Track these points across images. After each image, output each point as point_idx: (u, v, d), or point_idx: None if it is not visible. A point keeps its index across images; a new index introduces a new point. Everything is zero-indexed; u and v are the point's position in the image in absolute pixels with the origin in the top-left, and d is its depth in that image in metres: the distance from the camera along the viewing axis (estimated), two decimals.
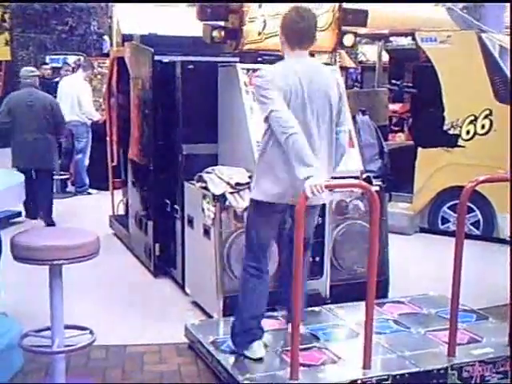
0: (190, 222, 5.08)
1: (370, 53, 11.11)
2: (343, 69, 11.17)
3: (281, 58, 5.21)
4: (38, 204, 7.27)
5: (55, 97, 9.65)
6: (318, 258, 4.84)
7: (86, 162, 9.79)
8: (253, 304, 3.87)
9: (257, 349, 3.84)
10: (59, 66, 11.42)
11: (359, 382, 3.58)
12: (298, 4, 3.90)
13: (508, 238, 6.70)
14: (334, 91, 3.80)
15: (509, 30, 10.89)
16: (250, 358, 3.81)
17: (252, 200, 3.88)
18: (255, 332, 3.87)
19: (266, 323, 4.30)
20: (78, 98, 9.54)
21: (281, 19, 3.92)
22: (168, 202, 5.65)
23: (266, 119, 3.63)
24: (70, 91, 9.63)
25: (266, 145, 3.73)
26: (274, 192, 3.70)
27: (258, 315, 3.89)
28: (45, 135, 7.40)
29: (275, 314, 4.40)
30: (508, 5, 12.13)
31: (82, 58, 11.51)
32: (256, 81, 3.82)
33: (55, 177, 9.79)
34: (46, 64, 11.76)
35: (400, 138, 9.05)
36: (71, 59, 11.77)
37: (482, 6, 12.98)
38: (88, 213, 8.19)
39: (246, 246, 3.95)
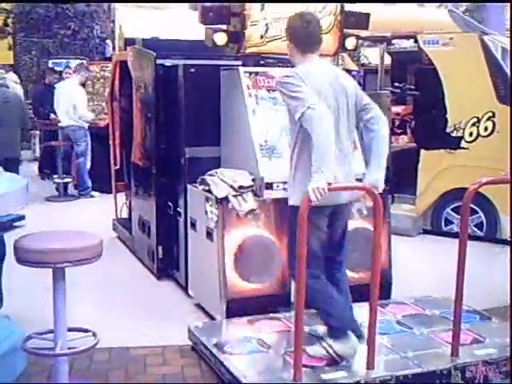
0: (193, 224, 5.09)
1: (372, 55, 11.11)
2: (346, 71, 11.14)
3: (283, 61, 5.26)
4: None
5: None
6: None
7: (88, 165, 9.83)
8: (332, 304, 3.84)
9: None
10: (62, 69, 11.43)
11: (363, 382, 3.59)
12: (300, 11, 3.97)
13: (509, 239, 6.71)
14: (352, 89, 3.84)
15: (509, 33, 10.88)
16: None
17: (296, 206, 3.61)
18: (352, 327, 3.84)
19: (269, 325, 4.32)
20: (74, 102, 9.59)
21: (286, 27, 3.94)
22: (171, 204, 5.66)
23: (301, 117, 3.53)
24: (66, 96, 9.71)
25: (301, 146, 3.67)
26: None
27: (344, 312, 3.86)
28: (16, 128, 8.16)
29: (278, 315, 4.41)
30: (509, 5, 12.15)
31: (84, 62, 11.51)
32: (284, 79, 3.71)
33: (57, 180, 9.90)
34: (54, 71, 11.77)
35: (403, 141, 9.04)
36: (74, 63, 11.77)
37: (483, 9, 13.00)
38: (91, 216, 8.20)
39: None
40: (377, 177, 3.72)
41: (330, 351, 3.77)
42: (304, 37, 3.82)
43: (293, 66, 3.95)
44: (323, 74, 3.78)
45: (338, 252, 4.00)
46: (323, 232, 3.83)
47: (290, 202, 3.81)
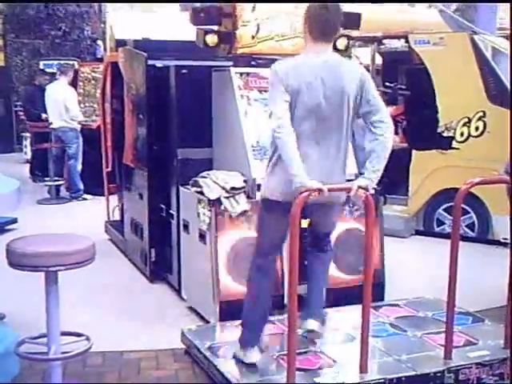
0: (186, 226, 5.07)
1: (363, 56, 11.10)
2: None
3: (274, 61, 5.24)
4: None
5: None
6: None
7: (79, 167, 9.80)
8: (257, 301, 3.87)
9: (252, 354, 3.83)
10: (53, 71, 11.39)
11: None
12: None
13: (503, 240, 6.73)
14: (351, 87, 3.65)
15: (501, 32, 10.90)
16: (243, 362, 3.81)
17: (261, 198, 3.86)
18: (255, 334, 3.87)
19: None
20: (65, 103, 9.58)
21: (304, 11, 3.79)
22: (163, 206, 5.64)
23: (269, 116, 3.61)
24: (56, 98, 9.69)
25: (271, 144, 3.73)
26: (279, 190, 3.68)
27: (261, 315, 3.89)
28: None
29: (271, 318, 4.40)
30: (500, 6, 12.18)
31: (69, 63, 11.46)
32: (269, 74, 3.73)
33: (49, 183, 9.86)
34: (44, 72, 11.73)
35: (394, 141, 9.04)
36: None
37: (474, 9, 13.02)
38: (83, 218, 8.18)
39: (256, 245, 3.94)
40: (370, 178, 3.65)
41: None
42: (318, 23, 3.65)
43: None
44: (318, 68, 3.63)
45: (321, 241, 4.05)
46: (279, 226, 3.77)
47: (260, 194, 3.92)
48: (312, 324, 3.93)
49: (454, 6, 15.41)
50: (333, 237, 4.79)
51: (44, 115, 10.15)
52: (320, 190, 3.46)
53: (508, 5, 10.80)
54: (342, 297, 4.74)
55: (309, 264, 4.08)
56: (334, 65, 3.69)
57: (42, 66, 13.07)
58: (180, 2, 14.79)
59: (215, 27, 4.98)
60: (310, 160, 3.62)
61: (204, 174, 4.84)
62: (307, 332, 4.00)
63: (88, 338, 3.63)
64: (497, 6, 12.28)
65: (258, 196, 4.57)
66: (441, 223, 7.47)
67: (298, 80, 3.59)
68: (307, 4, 3.77)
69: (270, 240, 3.86)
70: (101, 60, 12.56)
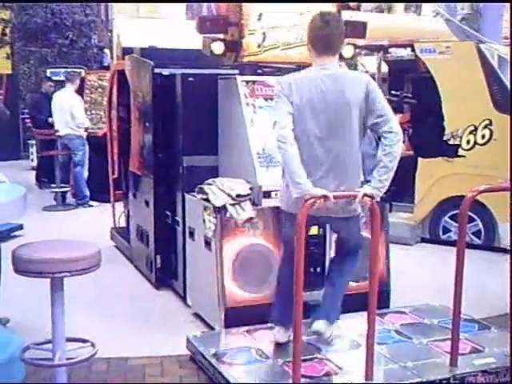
0: (191, 233, 5.08)
1: (369, 64, 11.12)
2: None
3: (280, 69, 5.27)
4: None
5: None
6: (318, 269, 4.84)
7: (85, 174, 9.84)
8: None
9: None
10: (61, 79, 11.45)
11: None
12: (321, 11, 3.90)
13: (509, 247, 6.70)
14: (355, 99, 3.69)
15: (506, 41, 10.91)
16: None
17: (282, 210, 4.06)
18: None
19: (268, 334, 4.31)
20: (71, 111, 9.63)
21: (307, 27, 3.88)
22: (169, 213, 5.65)
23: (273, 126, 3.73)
24: (62, 106, 9.73)
25: None
26: (288, 202, 3.82)
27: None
28: None
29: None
30: (507, 9, 12.19)
31: (76, 71, 11.52)
32: (275, 85, 3.85)
33: (55, 189, 9.89)
34: (50, 80, 11.80)
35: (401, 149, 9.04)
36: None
37: (480, 18, 13.04)
38: (89, 225, 8.19)
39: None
40: (377, 188, 3.68)
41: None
42: (319, 38, 3.75)
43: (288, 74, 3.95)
44: (320, 82, 3.70)
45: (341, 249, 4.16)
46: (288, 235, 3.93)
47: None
48: (318, 324, 3.95)
49: (460, 15, 15.44)
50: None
51: (51, 119, 10.18)
52: (325, 197, 3.48)
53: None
54: (347, 304, 4.73)
55: (328, 268, 4.27)
56: (336, 78, 3.76)
57: (48, 74, 13.13)
58: (185, 2, 14.84)
59: (221, 36, 4.99)
60: (317, 171, 3.66)
61: (210, 181, 4.84)
62: (313, 333, 4.01)
63: (93, 345, 3.63)
64: (502, 14, 12.29)
65: (264, 203, 4.59)
66: (447, 231, 7.46)
67: (300, 94, 3.69)
68: (314, 10, 3.82)
69: (290, 249, 3.85)
70: (107, 68, 12.62)
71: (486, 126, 7.08)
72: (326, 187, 3.63)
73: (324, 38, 3.74)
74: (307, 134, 3.71)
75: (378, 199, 3.71)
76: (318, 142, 3.71)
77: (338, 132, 3.73)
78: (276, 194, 4.52)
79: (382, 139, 3.71)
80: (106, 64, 14.95)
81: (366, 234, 4.74)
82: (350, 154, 3.79)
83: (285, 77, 3.86)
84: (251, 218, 4.59)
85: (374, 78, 8.82)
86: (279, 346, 4.15)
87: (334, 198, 3.55)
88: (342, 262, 4.13)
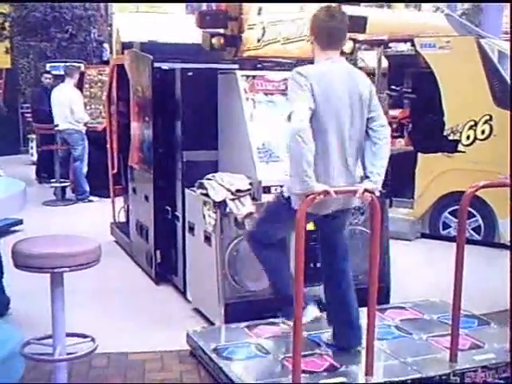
0: (191, 228, 5.08)
1: (369, 59, 11.11)
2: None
3: (280, 64, 5.26)
4: None
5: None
6: (319, 265, 4.83)
7: (85, 169, 9.83)
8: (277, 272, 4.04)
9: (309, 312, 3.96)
10: (60, 73, 11.44)
11: None
12: (329, 3, 3.83)
13: (509, 243, 6.71)
14: (366, 93, 3.72)
15: (507, 36, 10.89)
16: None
17: (282, 194, 3.89)
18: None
19: (268, 330, 4.31)
20: (70, 105, 9.61)
21: (310, 20, 3.82)
22: (169, 208, 5.65)
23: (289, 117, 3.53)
24: (62, 100, 9.71)
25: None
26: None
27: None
28: None
29: (276, 320, 4.39)
30: (506, 6, 12.17)
31: (75, 65, 11.49)
32: (292, 75, 3.65)
33: (55, 184, 9.88)
34: (48, 73, 11.78)
35: (400, 144, 9.04)
36: None
37: (480, 12, 13.02)
38: (89, 220, 8.19)
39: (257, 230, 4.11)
40: (376, 181, 3.70)
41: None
42: (325, 32, 3.69)
43: (289, 70, 3.93)
44: (338, 75, 3.66)
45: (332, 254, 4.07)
46: (285, 225, 3.90)
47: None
48: (312, 311, 3.98)
49: (460, 9, 15.42)
50: None
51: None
52: (327, 193, 3.47)
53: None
54: None
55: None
56: (348, 71, 3.75)
57: (48, 68, 13.12)
58: (186, 2, 14.83)
59: (221, 30, 4.98)
60: (330, 167, 3.66)
61: (209, 176, 4.84)
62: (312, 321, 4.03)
63: (93, 340, 3.63)
64: (503, 9, 12.27)
65: (264, 198, 4.59)
66: (447, 226, 7.46)
67: (318, 84, 3.57)
68: (313, 5, 3.79)
69: (274, 232, 4.00)
70: (107, 62, 12.59)
71: (486, 122, 7.07)
72: (338, 184, 3.64)
73: (329, 34, 3.69)
74: (325, 129, 3.62)
75: (378, 193, 3.72)
76: (337, 138, 3.65)
77: (357, 125, 3.72)
78: (276, 189, 4.52)
79: (373, 133, 3.75)
80: (105, 58, 14.93)
81: (365, 229, 4.77)
82: (361, 147, 3.79)
83: (305, 68, 3.67)
84: (251, 213, 4.58)
85: (374, 73, 8.86)
86: (279, 340, 4.15)
87: (336, 193, 3.54)
88: (346, 267, 4.09)
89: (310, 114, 3.53)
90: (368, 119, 3.78)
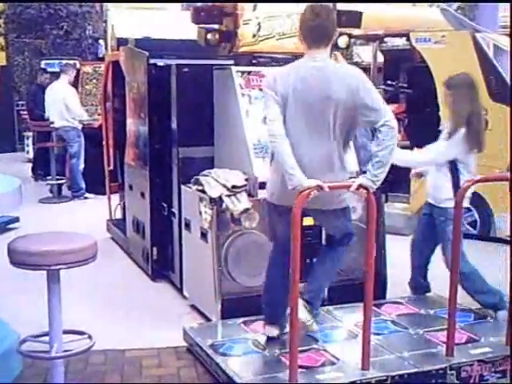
0: (187, 225, 5.08)
1: (364, 54, 11.12)
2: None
3: (275, 59, 5.25)
4: None
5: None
6: (315, 260, 4.83)
7: (81, 166, 9.81)
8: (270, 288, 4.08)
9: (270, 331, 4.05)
10: (55, 70, 11.41)
11: (358, 383, 3.58)
12: (312, 4, 3.84)
13: (506, 238, 6.72)
14: (340, 93, 3.61)
15: (503, 30, 10.90)
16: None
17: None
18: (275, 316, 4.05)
19: (264, 326, 4.31)
20: (65, 102, 9.59)
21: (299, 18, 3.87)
22: (165, 205, 5.65)
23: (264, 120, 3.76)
24: (56, 97, 9.70)
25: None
26: (273, 193, 3.88)
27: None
28: None
29: None
30: (502, 5, 12.16)
31: (69, 62, 11.47)
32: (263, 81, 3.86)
33: (51, 181, 9.86)
34: (45, 72, 11.76)
35: (396, 139, 9.05)
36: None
37: (475, 7, 13.00)
38: (85, 217, 8.19)
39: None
40: (372, 181, 3.64)
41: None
42: (309, 30, 3.72)
43: (284, 64, 3.93)
44: (305, 73, 3.68)
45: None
46: (277, 228, 4.01)
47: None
48: (301, 313, 3.87)
49: (455, 4, 15.40)
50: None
51: (46, 116, 10.15)
52: (320, 188, 3.47)
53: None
54: (343, 294, 4.75)
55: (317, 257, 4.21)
56: (323, 70, 3.71)
57: (43, 66, 13.07)
58: (182, 2, 14.80)
59: (216, 26, 4.99)
60: (301, 162, 3.66)
61: (205, 172, 4.84)
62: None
63: (90, 337, 3.63)
64: (498, 4, 12.26)
65: (260, 194, 4.59)
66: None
67: (284, 85, 3.68)
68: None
69: (273, 238, 4.12)
70: (102, 59, 12.56)
71: None
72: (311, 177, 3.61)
73: (314, 30, 3.71)
74: (293, 125, 3.69)
75: (372, 190, 3.69)
76: (302, 133, 3.69)
77: (320, 125, 3.67)
78: None
79: (377, 133, 3.65)
80: (100, 55, 14.87)
81: (361, 224, 4.77)
82: (334, 147, 3.71)
83: (271, 71, 3.89)
84: (247, 209, 4.58)
85: (369, 68, 8.86)
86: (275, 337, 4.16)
87: (329, 188, 3.53)
88: (328, 251, 4.13)
89: (279, 110, 3.66)
90: (368, 122, 3.75)
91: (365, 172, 3.77)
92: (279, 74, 3.76)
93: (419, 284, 5.06)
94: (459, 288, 3.86)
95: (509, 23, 11.56)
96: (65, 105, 9.59)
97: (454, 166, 4.65)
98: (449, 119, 4.73)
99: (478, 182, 3.97)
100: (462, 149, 4.59)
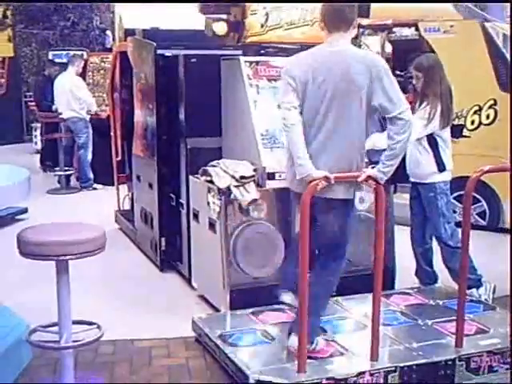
0: (196, 215, 5.08)
1: (373, 44, 11.06)
2: None
3: (283, 49, 5.23)
4: None
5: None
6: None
7: (89, 156, 9.82)
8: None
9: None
10: (63, 61, 11.41)
11: (367, 373, 3.58)
12: None
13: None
14: (360, 77, 3.51)
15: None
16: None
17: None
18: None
19: (273, 316, 4.32)
20: (74, 93, 9.60)
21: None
22: (173, 196, 5.65)
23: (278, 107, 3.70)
24: (64, 88, 9.71)
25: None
26: (292, 180, 3.79)
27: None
28: None
29: (282, 306, 4.40)
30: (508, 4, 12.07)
31: (77, 53, 11.47)
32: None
33: (59, 172, 9.88)
34: (53, 63, 11.76)
35: None
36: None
37: None
38: (93, 208, 8.21)
39: None
40: (382, 172, 3.60)
41: None
42: (329, 14, 3.66)
43: (292, 55, 3.91)
44: (320, 58, 3.62)
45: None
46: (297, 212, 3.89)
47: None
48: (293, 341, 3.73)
49: None
50: None
51: (53, 108, 10.16)
52: (327, 179, 3.46)
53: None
54: (352, 285, 4.74)
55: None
56: (342, 54, 3.62)
57: (50, 57, 13.09)
58: (188, 3, 14.76)
59: (224, 16, 4.97)
60: (316, 149, 3.62)
61: (214, 162, 4.83)
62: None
63: (99, 327, 3.63)
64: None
65: (268, 185, 4.58)
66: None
67: (303, 70, 3.61)
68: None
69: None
70: (110, 50, 12.57)
71: (490, 106, 7.03)
72: (317, 164, 3.57)
73: (333, 14, 3.65)
74: (314, 111, 3.61)
75: (383, 182, 3.66)
76: (324, 118, 3.60)
77: (339, 110, 3.58)
78: (280, 176, 4.51)
79: (391, 125, 3.56)
80: (108, 46, 14.87)
81: (370, 215, 4.76)
82: (357, 133, 3.64)
83: (289, 58, 3.82)
84: (255, 200, 4.58)
85: None
86: (285, 326, 4.15)
87: (336, 178, 3.51)
88: (319, 274, 3.80)
89: (296, 94, 3.61)
90: (382, 108, 3.56)
91: (373, 162, 3.75)
92: (297, 60, 3.72)
93: (425, 272, 5.05)
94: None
95: None
96: (73, 95, 9.59)
97: (434, 141, 4.80)
98: (421, 99, 4.91)
99: (487, 172, 3.94)
100: (437, 124, 4.77)
